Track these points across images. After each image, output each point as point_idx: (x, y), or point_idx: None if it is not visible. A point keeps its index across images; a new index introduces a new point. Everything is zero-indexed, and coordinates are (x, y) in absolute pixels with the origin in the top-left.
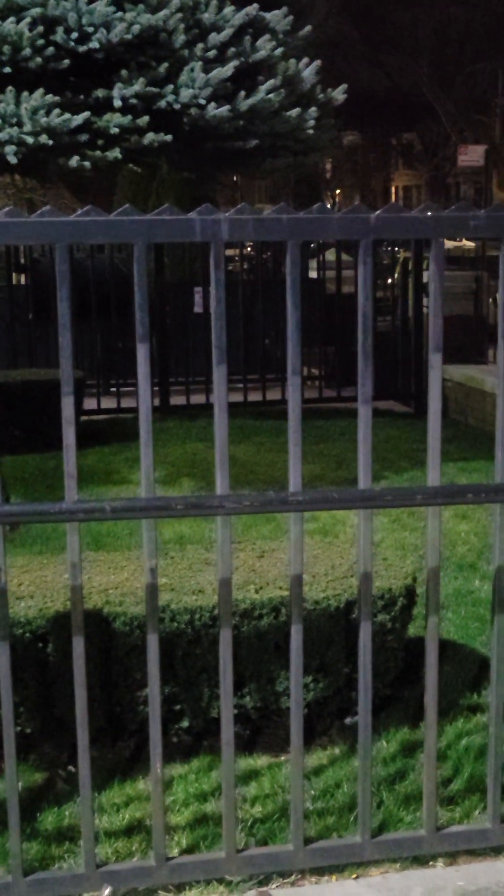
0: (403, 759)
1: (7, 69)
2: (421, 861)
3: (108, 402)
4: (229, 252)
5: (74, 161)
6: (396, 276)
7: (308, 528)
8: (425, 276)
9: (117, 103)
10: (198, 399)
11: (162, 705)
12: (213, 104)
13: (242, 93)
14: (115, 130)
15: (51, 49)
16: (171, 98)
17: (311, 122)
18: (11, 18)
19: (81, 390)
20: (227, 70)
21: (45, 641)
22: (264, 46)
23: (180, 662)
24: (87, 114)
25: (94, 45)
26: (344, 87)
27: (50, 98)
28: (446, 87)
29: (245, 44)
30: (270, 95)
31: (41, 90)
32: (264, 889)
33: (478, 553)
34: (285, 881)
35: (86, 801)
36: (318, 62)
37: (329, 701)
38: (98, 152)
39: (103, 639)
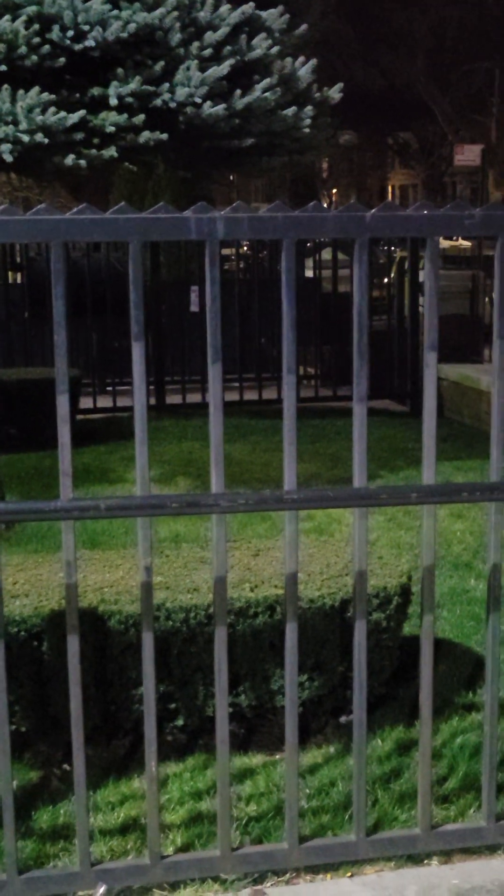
0: (398, 758)
1: (3, 67)
2: (416, 859)
3: (104, 401)
4: (225, 251)
5: (70, 159)
6: (393, 275)
7: (303, 526)
8: (421, 276)
9: (113, 102)
10: (194, 398)
11: (157, 704)
12: (208, 103)
13: (238, 91)
14: (110, 129)
15: (46, 47)
16: (166, 96)
17: (307, 121)
18: (7, 16)
19: (77, 389)
20: (223, 69)
21: (40, 640)
22: (260, 45)
23: (175, 661)
24: (82, 112)
25: (90, 43)
26: (340, 85)
27: (46, 96)
28: (442, 86)
29: (241, 42)
30: (266, 94)
31: (37, 88)
32: (259, 887)
33: (473, 552)
34: (280, 879)
35: (80, 800)
36: (313, 61)
37: (324, 699)
38: (94, 151)
39: (98, 637)
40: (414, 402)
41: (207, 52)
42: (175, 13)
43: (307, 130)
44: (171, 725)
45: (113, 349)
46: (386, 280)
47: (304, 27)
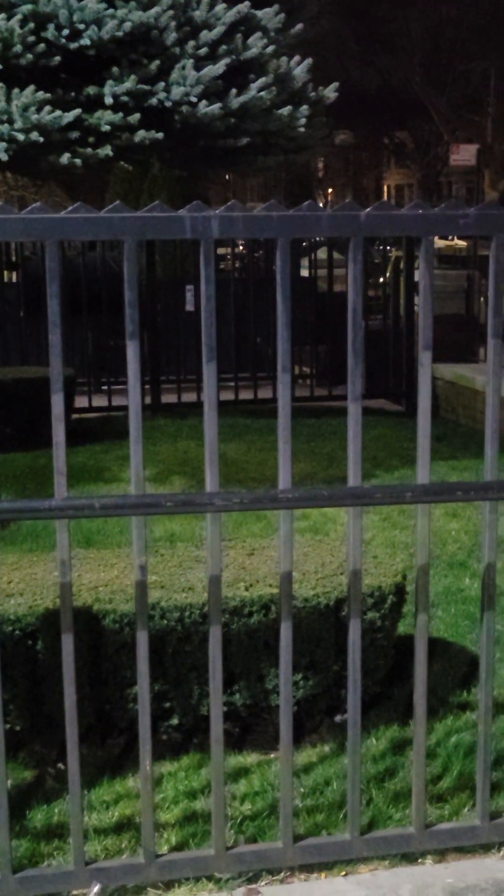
0: (393, 757)
1: None
2: (410, 858)
3: (100, 401)
4: (221, 251)
5: (65, 158)
6: (388, 274)
7: (299, 526)
8: (417, 275)
9: (108, 100)
10: (189, 397)
11: (151, 703)
12: (204, 102)
13: (234, 91)
14: (106, 128)
15: (42, 46)
16: (162, 96)
17: (303, 121)
18: (2, 15)
19: (72, 388)
20: (219, 68)
21: (35, 639)
22: (256, 44)
23: (170, 660)
24: (78, 111)
25: (86, 42)
26: (335, 85)
27: (41, 95)
28: (438, 85)
29: (236, 41)
30: (262, 93)
31: (32, 87)
32: (253, 886)
33: (468, 551)
34: (274, 878)
35: (75, 799)
36: (309, 60)
37: (319, 698)
38: (89, 150)
39: (93, 636)
40: (409, 401)
41: (203, 51)
42: (170, 12)
43: (302, 130)
44: (165, 724)
45: (108, 348)
46: (381, 280)
47: (299, 26)
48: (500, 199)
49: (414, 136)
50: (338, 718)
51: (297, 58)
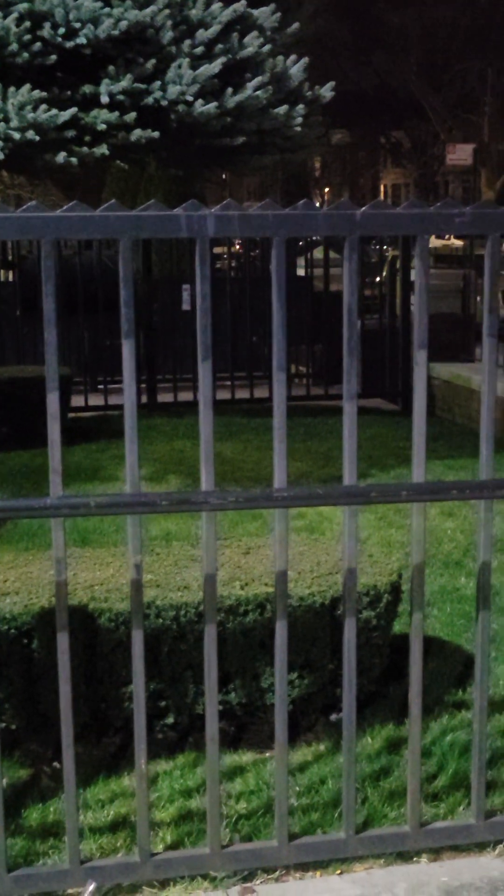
0: (388, 756)
1: None
2: (405, 857)
3: (96, 400)
4: (218, 250)
5: (61, 157)
6: (384, 274)
7: (294, 525)
8: (413, 274)
9: (104, 99)
10: (185, 396)
11: (147, 702)
12: (200, 101)
13: (230, 90)
14: (102, 127)
15: (38, 44)
16: (158, 94)
17: (299, 120)
18: None
19: (68, 387)
20: (215, 67)
21: (31, 637)
22: (252, 43)
23: (165, 659)
24: (74, 110)
25: (82, 40)
26: (332, 84)
27: (37, 94)
28: (435, 85)
29: (233, 40)
30: (258, 92)
31: (28, 86)
32: (248, 885)
33: (463, 550)
34: (269, 877)
35: (70, 797)
36: (305, 59)
37: (314, 697)
38: (85, 148)
39: (88, 635)
40: (405, 400)
41: (199, 49)
42: (167, 11)
43: (298, 129)
44: (161, 723)
45: (105, 347)
46: (378, 279)
47: (295, 25)
48: (497, 199)
49: (410, 136)
50: (333, 717)
51: (293, 57)
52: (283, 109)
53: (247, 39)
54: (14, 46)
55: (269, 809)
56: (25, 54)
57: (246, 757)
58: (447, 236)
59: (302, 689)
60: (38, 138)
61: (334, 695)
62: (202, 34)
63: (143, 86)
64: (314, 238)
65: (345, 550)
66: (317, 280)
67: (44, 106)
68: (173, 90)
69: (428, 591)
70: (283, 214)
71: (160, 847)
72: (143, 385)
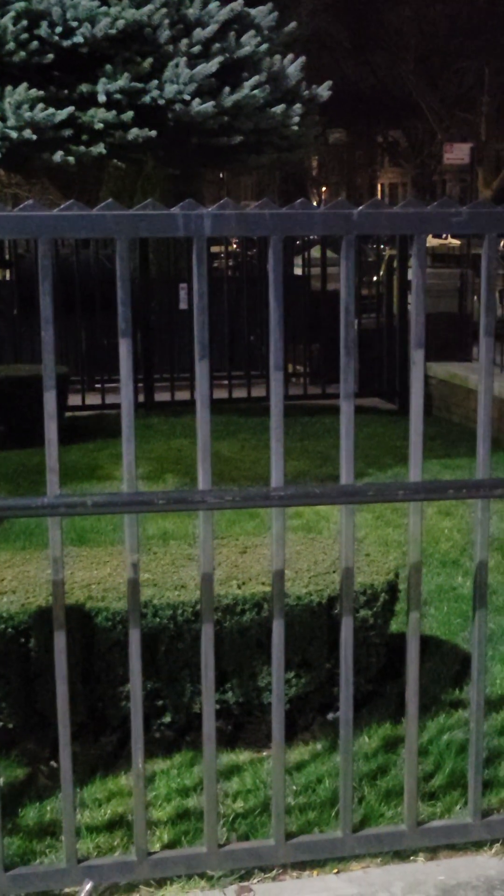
0: (385, 755)
1: None
2: (402, 856)
3: (93, 399)
4: (215, 249)
5: (58, 156)
6: (381, 273)
7: (292, 524)
8: (410, 274)
9: (101, 98)
10: (183, 395)
11: (144, 701)
12: (197, 100)
13: (227, 89)
14: (99, 126)
15: (35, 43)
16: (155, 93)
17: (296, 119)
18: None
19: (66, 386)
20: (212, 66)
21: (27, 637)
22: (249, 42)
23: (162, 658)
24: (71, 109)
25: (79, 39)
26: (329, 83)
27: (34, 93)
28: (432, 84)
29: (230, 39)
30: (255, 91)
31: (25, 84)
32: (245, 884)
33: (461, 549)
34: (267, 876)
35: (67, 797)
36: (302, 58)
37: (311, 696)
38: (82, 147)
39: (85, 634)
40: (402, 400)
41: (196, 49)
42: (164, 10)
43: (296, 128)
44: (158, 722)
45: (102, 346)
46: (375, 278)
47: (293, 25)
48: (494, 198)
49: (408, 135)
50: (330, 716)
51: (290, 56)
52: (280, 109)
53: (244, 38)
54: (11, 45)
55: (265, 808)
56: (22, 53)
57: (243, 756)
58: (444, 235)
59: (299, 688)
60: (35, 137)
61: (331, 694)
62: (199, 33)
63: (140, 85)
64: (311, 237)
65: (342, 549)
66: (314, 279)
67: (41, 105)
68: (170, 89)
69: (425, 591)
70: (280, 214)
71: (157, 846)
72: (141, 384)
